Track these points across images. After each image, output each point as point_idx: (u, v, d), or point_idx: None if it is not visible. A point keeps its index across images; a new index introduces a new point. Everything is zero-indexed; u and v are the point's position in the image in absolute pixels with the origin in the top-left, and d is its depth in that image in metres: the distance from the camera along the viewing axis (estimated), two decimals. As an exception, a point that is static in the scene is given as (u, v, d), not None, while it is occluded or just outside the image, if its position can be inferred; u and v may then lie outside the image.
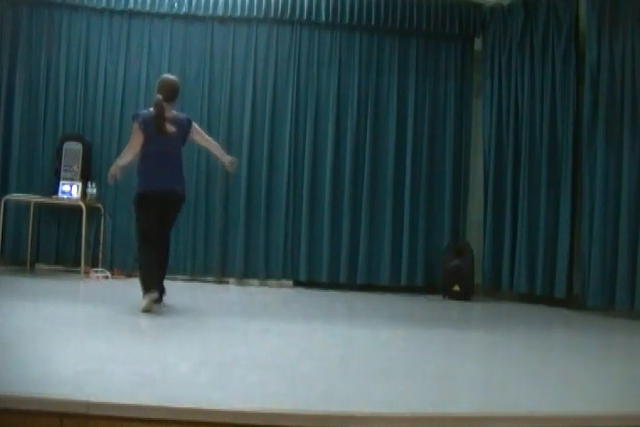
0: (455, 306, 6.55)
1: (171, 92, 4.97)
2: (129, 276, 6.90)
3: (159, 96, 4.89)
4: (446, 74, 7.55)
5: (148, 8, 7.23)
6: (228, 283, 7.24)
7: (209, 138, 5.33)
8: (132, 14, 7.32)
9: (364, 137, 7.40)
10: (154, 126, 4.84)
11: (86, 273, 6.74)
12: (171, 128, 4.90)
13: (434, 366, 3.58)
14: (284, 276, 7.29)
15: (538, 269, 6.65)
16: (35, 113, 7.22)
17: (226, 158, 5.30)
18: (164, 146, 4.90)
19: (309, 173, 7.33)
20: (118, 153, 7.11)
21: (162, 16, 7.35)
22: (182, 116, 5.12)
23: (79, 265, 6.83)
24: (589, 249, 6.17)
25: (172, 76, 5.23)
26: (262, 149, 7.32)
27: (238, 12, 7.30)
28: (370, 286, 7.25)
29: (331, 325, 5.00)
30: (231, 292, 6.81)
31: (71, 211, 7.03)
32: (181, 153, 5.05)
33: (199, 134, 5.21)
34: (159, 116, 4.83)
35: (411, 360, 3.72)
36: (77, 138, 7.14)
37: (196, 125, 5.16)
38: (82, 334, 4.06)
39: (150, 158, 4.91)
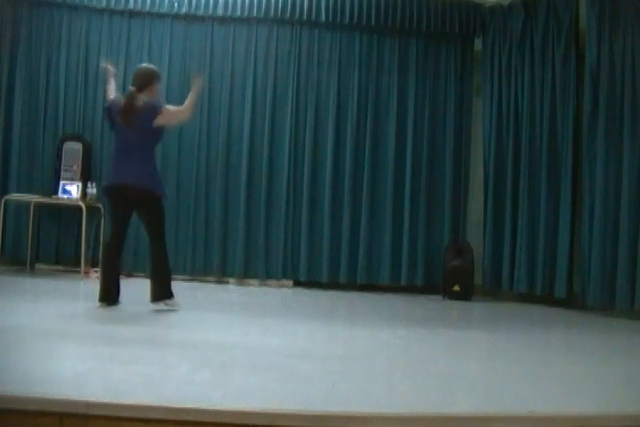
0: (455, 306, 6.55)
1: (139, 81, 4.83)
2: (128, 276, 6.89)
3: (131, 88, 4.84)
4: (446, 74, 7.54)
5: (147, 8, 7.22)
6: (228, 283, 7.24)
7: (178, 109, 4.94)
8: (132, 14, 7.31)
9: (364, 137, 7.39)
10: (121, 118, 4.75)
11: (86, 273, 6.73)
12: (135, 119, 4.70)
13: (434, 365, 3.58)
14: (284, 276, 7.29)
15: (538, 269, 6.65)
16: (35, 113, 7.22)
17: (194, 87, 5.00)
18: (127, 137, 4.76)
19: (309, 172, 7.33)
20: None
21: (162, 16, 7.34)
22: (151, 103, 4.79)
23: (79, 265, 6.83)
24: (589, 249, 6.17)
25: (144, 65, 5.16)
26: (262, 149, 7.31)
27: (238, 12, 7.29)
28: (370, 286, 7.25)
29: (331, 325, 5.00)
30: (231, 292, 6.81)
31: (71, 211, 7.02)
32: (150, 146, 4.83)
33: (168, 116, 4.81)
34: (125, 108, 4.72)
35: (411, 360, 3.72)
36: (77, 138, 7.14)
37: (167, 109, 4.83)
38: (82, 333, 4.06)
39: (116, 151, 4.87)
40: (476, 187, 7.50)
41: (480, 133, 7.45)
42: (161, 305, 4.82)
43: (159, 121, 4.75)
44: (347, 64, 7.45)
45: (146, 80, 4.85)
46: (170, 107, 4.97)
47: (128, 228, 4.97)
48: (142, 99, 4.76)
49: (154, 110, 4.74)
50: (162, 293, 4.83)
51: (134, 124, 4.70)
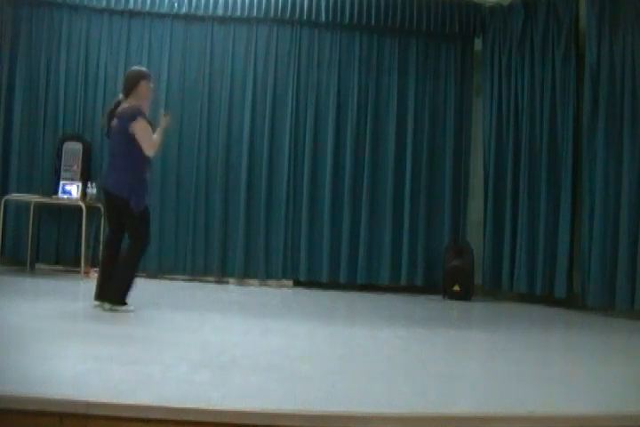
0: (455, 306, 6.55)
1: (125, 86, 4.84)
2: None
3: (120, 95, 4.87)
4: (446, 74, 7.54)
5: (147, 8, 7.22)
6: (228, 283, 7.24)
7: (147, 138, 4.69)
8: (132, 14, 7.31)
9: (364, 137, 7.39)
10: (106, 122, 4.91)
11: (86, 273, 6.73)
12: (114, 123, 4.76)
13: (434, 365, 3.59)
14: (284, 276, 7.28)
15: (538, 269, 6.65)
16: (35, 113, 7.21)
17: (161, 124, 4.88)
18: (111, 143, 4.90)
19: (309, 173, 7.33)
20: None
21: (162, 16, 7.33)
22: (130, 110, 4.70)
23: (79, 265, 6.82)
24: (589, 249, 6.17)
25: (131, 68, 5.12)
26: (262, 149, 7.31)
27: (238, 12, 7.29)
28: (370, 286, 7.25)
29: (331, 325, 5.00)
30: (231, 292, 6.81)
31: (71, 211, 7.02)
32: (132, 153, 4.68)
33: (139, 129, 4.65)
34: (108, 113, 4.86)
35: (411, 360, 3.72)
36: (77, 138, 7.14)
37: (139, 123, 4.64)
38: (82, 333, 4.06)
39: (108, 155, 5.06)
40: (476, 187, 7.50)
41: (480, 133, 7.45)
42: (105, 305, 4.64)
43: (132, 128, 4.65)
44: (347, 64, 7.44)
45: (131, 83, 4.81)
46: (145, 125, 4.71)
47: (122, 227, 4.86)
48: (130, 102, 4.77)
49: (130, 116, 4.67)
50: (113, 294, 4.64)
51: (116, 129, 4.74)
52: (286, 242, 7.27)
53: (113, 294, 4.66)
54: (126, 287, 4.68)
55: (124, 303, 4.66)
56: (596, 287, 6.05)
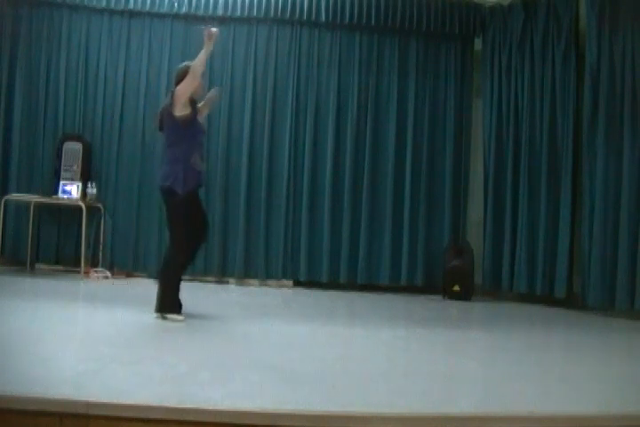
0: (455, 306, 6.55)
1: (175, 81, 4.74)
2: (129, 276, 6.91)
3: (172, 89, 4.76)
4: (446, 74, 7.54)
5: (147, 8, 7.22)
6: (227, 283, 7.24)
7: (186, 79, 4.57)
8: (132, 14, 7.31)
9: (364, 137, 7.39)
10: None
11: (86, 273, 6.73)
12: (162, 119, 4.70)
13: (434, 366, 3.58)
14: (284, 276, 7.28)
15: (538, 270, 6.65)
16: (35, 113, 7.21)
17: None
18: (163, 140, 4.82)
19: (309, 173, 7.33)
20: (118, 153, 7.24)
21: (162, 16, 7.33)
22: (168, 99, 4.69)
23: (79, 265, 6.82)
24: (589, 249, 6.17)
25: (180, 65, 4.94)
26: (262, 150, 7.31)
27: (238, 12, 7.29)
28: (370, 286, 7.25)
29: (331, 325, 5.00)
30: (231, 292, 6.81)
31: (71, 211, 7.02)
32: (176, 142, 4.60)
33: (179, 93, 4.54)
34: (162, 109, 4.75)
35: (411, 360, 3.72)
36: (77, 138, 7.14)
37: (177, 89, 4.59)
38: (82, 334, 4.06)
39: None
40: (476, 187, 7.50)
41: (480, 133, 7.45)
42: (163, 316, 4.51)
43: (176, 107, 4.56)
44: (347, 64, 7.44)
45: (181, 78, 4.68)
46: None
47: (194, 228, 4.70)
48: None
49: (170, 101, 4.60)
50: (158, 302, 4.51)
51: (163, 124, 4.69)
52: (286, 242, 7.27)
53: (161, 305, 4.50)
54: (168, 295, 4.52)
55: (170, 311, 4.49)
56: (596, 287, 6.05)
